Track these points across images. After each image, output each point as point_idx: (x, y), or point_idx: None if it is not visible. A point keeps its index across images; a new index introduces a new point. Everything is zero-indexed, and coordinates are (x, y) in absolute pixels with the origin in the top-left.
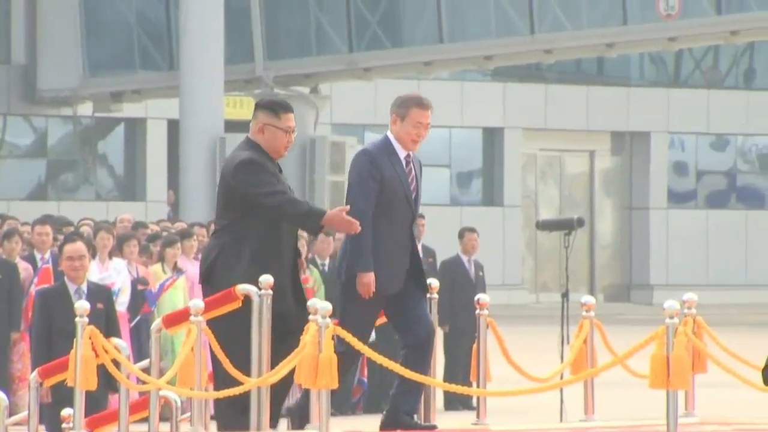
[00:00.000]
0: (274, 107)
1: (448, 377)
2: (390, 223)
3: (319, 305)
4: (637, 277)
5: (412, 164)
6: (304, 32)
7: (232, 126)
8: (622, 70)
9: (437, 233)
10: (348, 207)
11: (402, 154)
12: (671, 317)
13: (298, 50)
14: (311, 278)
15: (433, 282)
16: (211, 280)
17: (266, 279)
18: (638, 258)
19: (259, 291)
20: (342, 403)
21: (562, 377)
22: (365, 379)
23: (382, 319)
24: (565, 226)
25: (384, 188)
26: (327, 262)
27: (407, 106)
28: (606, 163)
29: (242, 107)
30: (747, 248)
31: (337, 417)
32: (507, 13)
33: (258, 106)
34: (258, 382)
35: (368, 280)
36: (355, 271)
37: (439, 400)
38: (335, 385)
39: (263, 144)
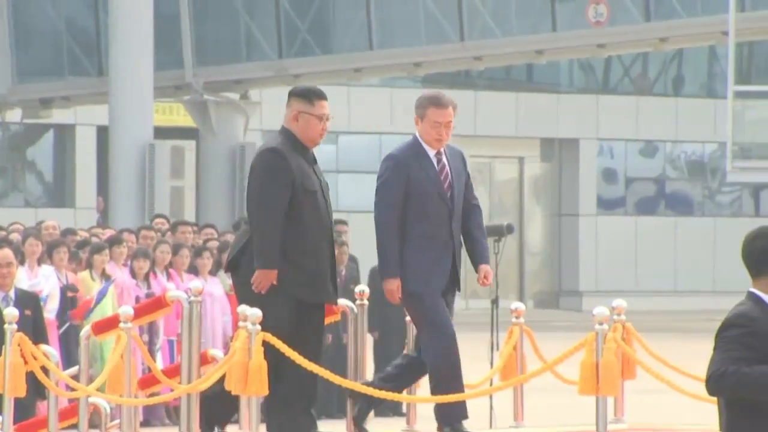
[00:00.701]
0: (308, 94)
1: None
2: (428, 223)
3: (249, 312)
4: (567, 284)
5: (445, 160)
6: (234, 39)
7: (161, 132)
8: (552, 76)
9: (367, 240)
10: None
11: (431, 152)
12: (600, 324)
13: (227, 57)
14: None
15: (363, 288)
16: (238, 271)
17: (195, 285)
18: (567, 264)
19: (189, 297)
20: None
21: (491, 383)
22: None
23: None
24: (495, 232)
25: (413, 189)
26: None
27: (424, 106)
28: (535, 170)
29: (171, 113)
30: (676, 255)
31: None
32: (437, 20)
33: (291, 94)
34: (188, 388)
35: (391, 286)
36: (387, 277)
37: None
38: (265, 392)
39: (298, 132)
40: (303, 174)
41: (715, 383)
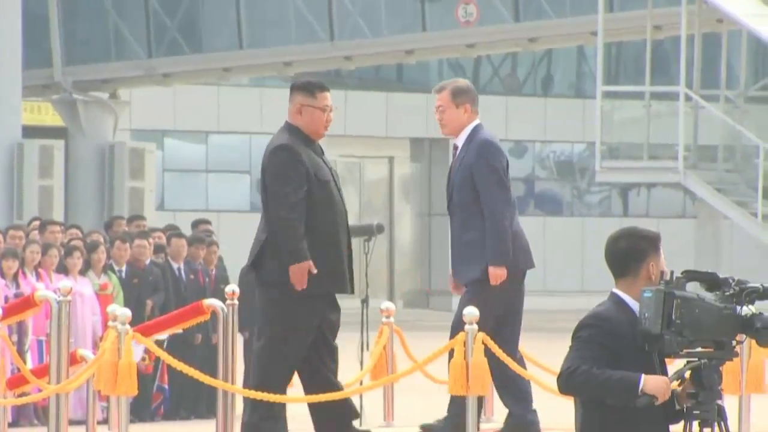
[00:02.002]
0: (309, 87)
1: (248, 383)
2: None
3: (119, 311)
4: (437, 284)
5: (458, 151)
6: (103, 38)
7: (30, 132)
8: (422, 76)
9: (236, 239)
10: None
11: (456, 143)
12: (470, 323)
13: (96, 56)
14: (110, 284)
15: (233, 288)
16: (262, 271)
17: (65, 285)
18: (437, 264)
19: (59, 297)
20: (142, 410)
21: (362, 383)
22: (165, 386)
23: None
24: (365, 232)
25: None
26: (124, 268)
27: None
28: (405, 170)
29: (40, 113)
30: (545, 255)
31: (137, 423)
32: (307, 19)
33: (293, 88)
34: (57, 388)
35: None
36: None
37: (238, 407)
38: (134, 392)
39: (302, 126)
40: (315, 165)
41: (565, 381)
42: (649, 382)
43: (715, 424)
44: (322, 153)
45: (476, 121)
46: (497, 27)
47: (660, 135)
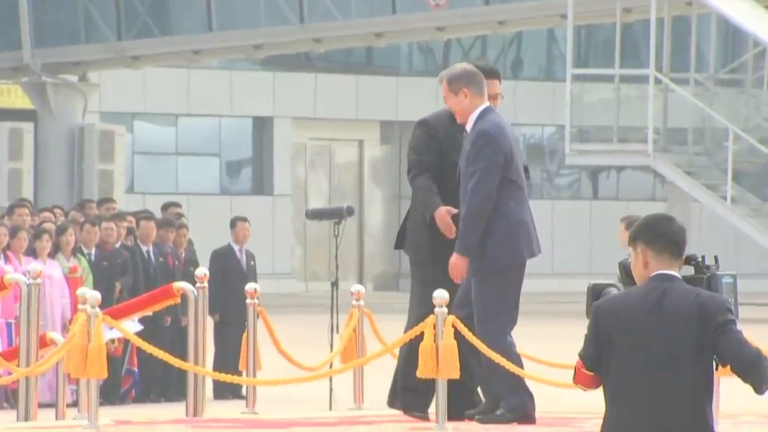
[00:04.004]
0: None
1: (218, 366)
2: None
3: (89, 294)
4: (407, 266)
5: (465, 137)
6: (73, 20)
7: None
8: (392, 59)
9: (208, 222)
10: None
11: (466, 128)
12: (441, 306)
13: (66, 38)
14: (79, 267)
15: (204, 271)
16: (404, 245)
17: (34, 268)
18: None
19: (28, 280)
20: (111, 393)
21: (331, 366)
22: (135, 369)
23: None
24: (335, 215)
25: None
26: (93, 251)
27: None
28: (375, 152)
29: (9, 95)
30: None
31: (106, 406)
32: (276, 2)
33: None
34: (26, 371)
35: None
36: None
37: (208, 389)
38: (104, 375)
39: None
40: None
41: (763, 363)
42: None
43: None
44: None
45: (482, 105)
46: (467, 10)
47: (630, 118)
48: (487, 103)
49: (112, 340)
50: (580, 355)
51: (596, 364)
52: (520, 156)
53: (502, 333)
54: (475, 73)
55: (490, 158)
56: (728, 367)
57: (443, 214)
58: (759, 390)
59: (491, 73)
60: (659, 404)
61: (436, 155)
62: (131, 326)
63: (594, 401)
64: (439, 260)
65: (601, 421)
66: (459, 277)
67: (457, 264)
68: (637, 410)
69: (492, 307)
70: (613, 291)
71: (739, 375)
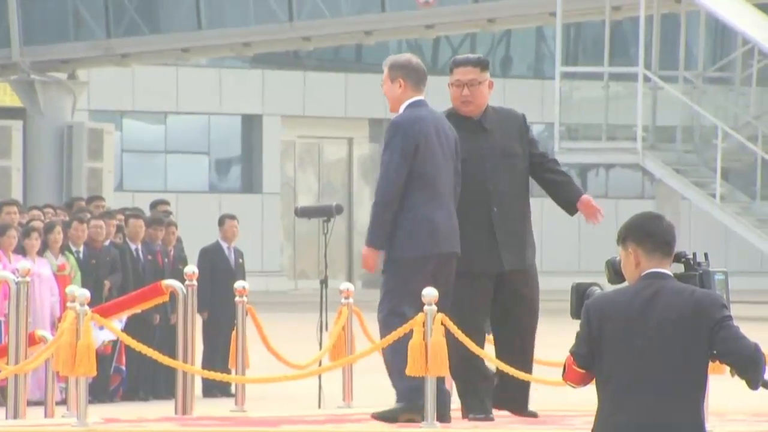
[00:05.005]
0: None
1: (207, 364)
2: None
3: (78, 292)
4: None
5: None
6: (62, 18)
7: None
8: (381, 57)
9: (197, 220)
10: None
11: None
12: (430, 304)
13: (55, 36)
14: (68, 264)
15: (193, 269)
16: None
17: (23, 266)
18: None
19: (17, 278)
20: (100, 391)
21: (320, 364)
22: (123, 367)
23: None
24: (324, 213)
25: None
26: (82, 248)
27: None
28: (364, 150)
29: None
30: None
31: (95, 405)
32: (266, 0)
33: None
34: (15, 369)
35: None
36: None
37: (197, 387)
38: (93, 373)
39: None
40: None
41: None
42: None
43: None
44: (484, 129)
45: (413, 98)
46: (456, 7)
47: (619, 116)
48: (420, 98)
49: (107, 342)
50: (572, 352)
51: (588, 361)
52: (450, 154)
53: (393, 321)
54: (417, 67)
55: (395, 150)
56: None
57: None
58: (755, 385)
59: (459, 62)
60: (652, 402)
61: None
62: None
63: (585, 398)
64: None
65: (593, 419)
66: (371, 267)
67: (367, 255)
68: (630, 408)
69: (388, 297)
70: (597, 290)
71: (737, 370)
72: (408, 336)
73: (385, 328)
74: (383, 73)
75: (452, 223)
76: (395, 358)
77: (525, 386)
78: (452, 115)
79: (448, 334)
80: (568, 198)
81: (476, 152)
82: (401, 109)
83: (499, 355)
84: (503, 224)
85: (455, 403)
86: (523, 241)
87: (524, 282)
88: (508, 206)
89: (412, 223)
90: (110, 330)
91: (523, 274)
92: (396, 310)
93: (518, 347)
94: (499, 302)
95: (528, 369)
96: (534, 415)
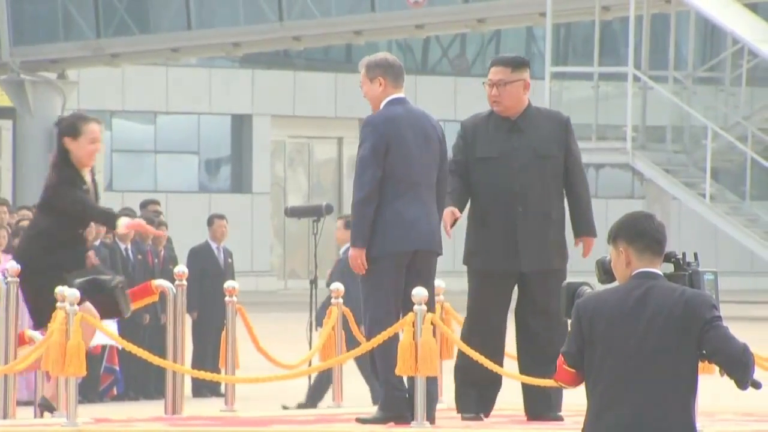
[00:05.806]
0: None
1: (197, 364)
2: None
3: (67, 292)
4: None
5: None
6: (51, 18)
7: None
8: None
9: (187, 220)
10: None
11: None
12: (420, 303)
13: (45, 36)
14: None
15: (183, 269)
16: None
17: (12, 266)
18: None
19: (7, 278)
20: (90, 391)
21: (310, 364)
22: (117, 367)
23: None
24: (314, 212)
25: None
26: None
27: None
28: (354, 150)
29: None
30: None
31: (85, 405)
32: (255, 0)
33: None
34: (5, 369)
35: None
36: None
37: (187, 387)
38: (83, 373)
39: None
40: None
41: (750, 356)
42: None
43: None
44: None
45: (393, 96)
46: (446, 8)
47: (608, 116)
48: (400, 95)
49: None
50: (563, 352)
51: (579, 361)
52: (430, 152)
53: (377, 331)
54: (394, 63)
55: (367, 148)
56: (709, 364)
57: (445, 213)
58: (743, 384)
59: (492, 62)
60: (643, 401)
61: (463, 156)
62: (108, 325)
63: (576, 400)
64: (469, 262)
65: (582, 419)
66: (359, 268)
67: (353, 256)
68: (621, 408)
69: (366, 305)
70: (588, 290)
71: (726, 369)
72: (394, 340)
73: (372, 338)
74: (360, 75)
75: (430, 221)
76: (380, 364)
77: (546, 391)
78: (492, 115)
79: (465, 334)
80: (574, 227)
81: (506, 152)
82: (381, 107)
83: (520, 363)
84: (526, 225)
85: (447, 403)
86: (544, 243)
87: (544, 290)
88: (534, 207)
89: (383, 220)
90: (104, 333)
91: (544, 279)
92: (375, 317)
93: (536, 357)
94: (518, 307)
95: (542, 375)
96: (559, 419)
